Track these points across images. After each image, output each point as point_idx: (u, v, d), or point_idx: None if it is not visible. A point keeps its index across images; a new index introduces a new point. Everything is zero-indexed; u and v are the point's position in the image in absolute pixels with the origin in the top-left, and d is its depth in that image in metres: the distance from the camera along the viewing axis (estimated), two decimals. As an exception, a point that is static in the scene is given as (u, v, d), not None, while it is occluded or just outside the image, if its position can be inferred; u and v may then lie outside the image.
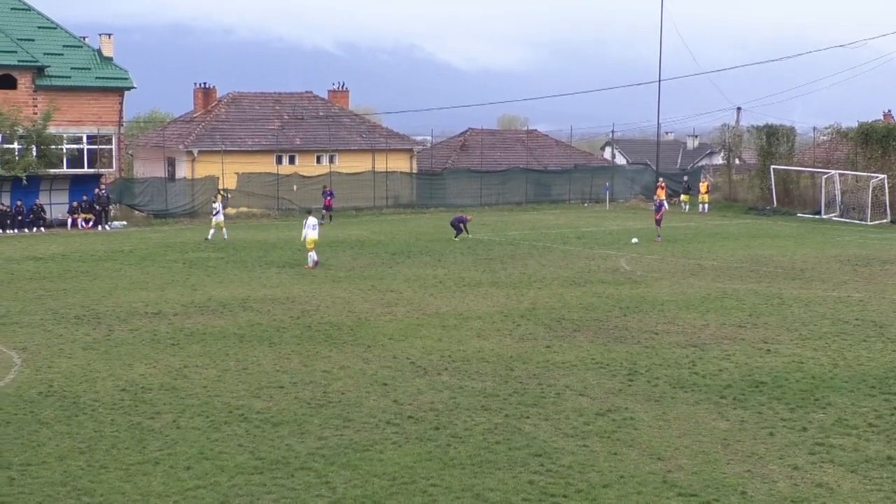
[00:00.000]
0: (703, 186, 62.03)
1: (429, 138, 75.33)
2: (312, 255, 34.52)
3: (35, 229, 48.91)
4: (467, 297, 28.22)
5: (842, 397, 17.57)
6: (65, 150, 54.41)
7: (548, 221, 53.69)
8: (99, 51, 57.72)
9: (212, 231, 43.67)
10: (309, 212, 37.38)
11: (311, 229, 34.81)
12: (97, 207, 51.03)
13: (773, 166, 60.06)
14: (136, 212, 54.74)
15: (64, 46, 56.77)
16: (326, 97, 67.09)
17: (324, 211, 52.96)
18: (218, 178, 56.68)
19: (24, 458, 14.30)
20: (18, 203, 49.13)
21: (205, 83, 64.94)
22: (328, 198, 54.31)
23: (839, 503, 12.69)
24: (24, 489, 13.09)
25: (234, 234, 46.77)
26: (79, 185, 51.90)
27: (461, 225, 43.72)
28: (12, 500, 12.71)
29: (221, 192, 56.31)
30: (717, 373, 19.34)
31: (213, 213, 44.58)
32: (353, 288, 29.97)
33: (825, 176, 56.49)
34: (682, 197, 63.13)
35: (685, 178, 66.59)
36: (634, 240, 42.48)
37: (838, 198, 55.51)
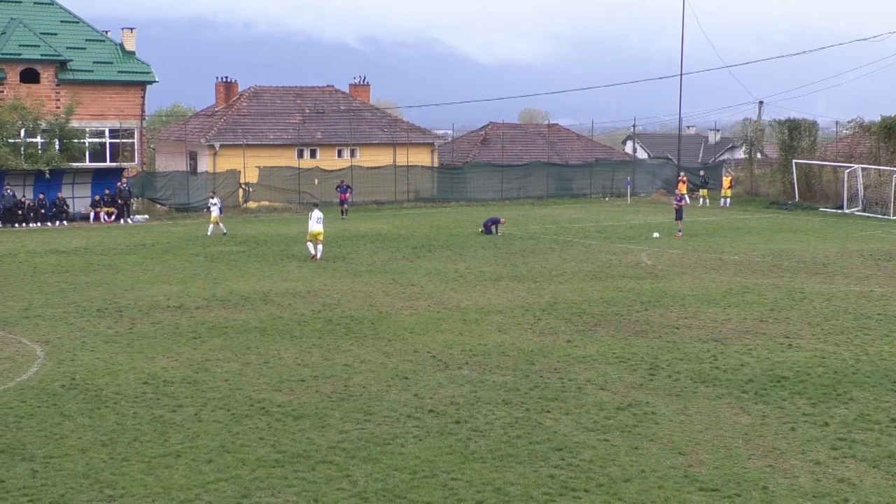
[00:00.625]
0: (726, 181, 61.69)
1: (450, 132, 75.28)
2: (318, 247, 34.73)
3: (57, 223, 49.21)
4: (488, 292, 28.22)
5: (864, 392, 17.48)
6: (87, 144, 54.67)
7: (569, 216, 53.59)
8: (121, 45, 57.93)
9: (221, 225, 43.73)
10: (315, 205, 37.50)
11: (314, 222, 34.98)
12: (119, 201, 51.32)
13: (795, 160, 59.76)
14: (158, 205, 55.01)
15: (86, 40, 57.03)
16: (347, 91, 67.15)
17: (340, 206, 52.84)
18: (239, 171, 56.93)
19: (47, 451, 14.40)
20: (41, 196, 49.44)
21: (226, 77, 65.18)
22: (344, 192, 54.09)
23: (861, 498, 12.63)
24: (46, 481, 13.18)
25: (256, 227, 46.97)
26: (101, 178, 52.18)
27: (492, 226, 43.64)
28: (35, 492, 12.79)
29: (243, 186, 56.58)
30: (739, 367, 19.28)
31: (219, 210, 44.50)
32: (374, 282, 30.02)
33: (848, 170, 56.17)
34: (702, 192, 62.80)
35: (702, 172, 66.30)
36: (656, 234, 42.39)
37: (861, 192, 55.17)
